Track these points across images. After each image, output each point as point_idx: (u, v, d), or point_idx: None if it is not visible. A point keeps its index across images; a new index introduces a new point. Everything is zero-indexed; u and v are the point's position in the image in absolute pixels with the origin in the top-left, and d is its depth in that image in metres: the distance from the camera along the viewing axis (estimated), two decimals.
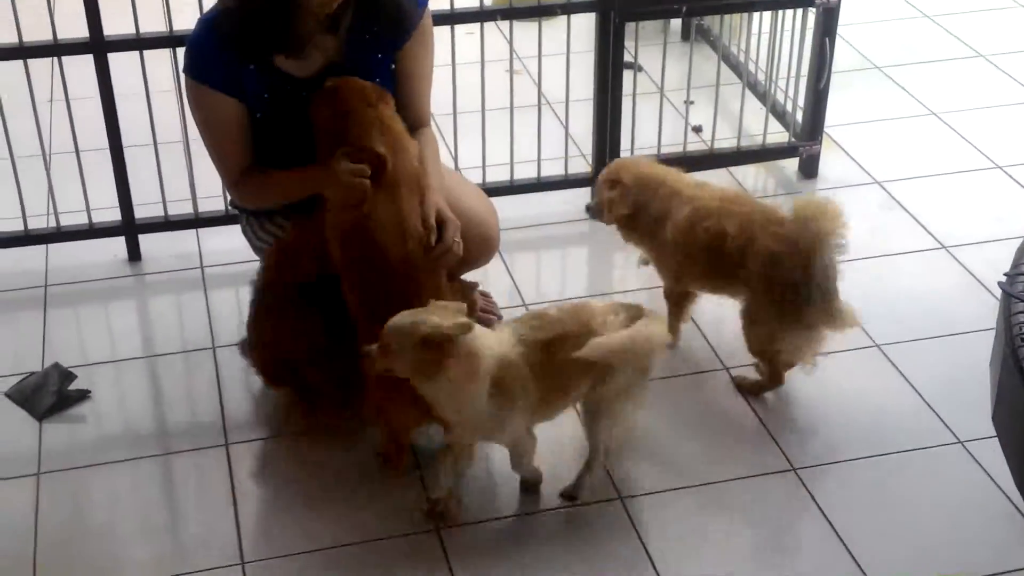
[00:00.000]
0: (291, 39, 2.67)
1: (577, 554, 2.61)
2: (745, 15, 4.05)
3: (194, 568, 2.58)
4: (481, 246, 2.97)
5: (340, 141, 2.67)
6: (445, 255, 2.70)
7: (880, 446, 2.89)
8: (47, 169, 3.47)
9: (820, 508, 2.72)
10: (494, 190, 3.64)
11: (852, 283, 3.40)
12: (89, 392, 3.03)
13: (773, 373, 3.03)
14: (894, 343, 3.21)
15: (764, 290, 2.90)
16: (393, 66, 2.86)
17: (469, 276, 3.11)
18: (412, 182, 2.71)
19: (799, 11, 3.77)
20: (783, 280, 2.85)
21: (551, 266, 3.69)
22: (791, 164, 4.00)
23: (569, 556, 2.61)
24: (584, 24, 3.74)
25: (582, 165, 3.87)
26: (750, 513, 2.74)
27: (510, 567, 2.58)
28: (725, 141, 3.93)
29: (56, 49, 3.27)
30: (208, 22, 2.75)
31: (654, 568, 2.57)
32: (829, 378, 3.09)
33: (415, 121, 2.88)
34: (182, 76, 2.82)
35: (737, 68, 4.12)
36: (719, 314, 3.29)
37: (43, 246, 3.51)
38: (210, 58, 2.73)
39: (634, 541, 2.64)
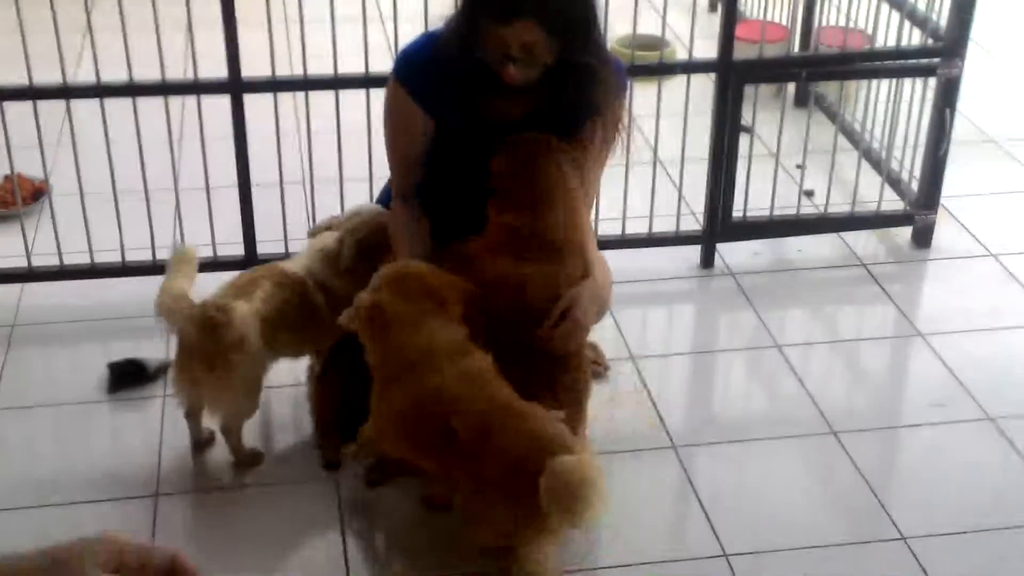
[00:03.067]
0: (467, 94, 2.74)
1: None
2: (863, 82, 4.07)
3: None
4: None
5: (513, 196, 2.73)
6: (549, 343, 2.70)
7: (994, 520, 2.84)
8: (177, 203, 3.59)
9: None
10: (606, 243, 3.69)
11: (966, 355, 3.40)
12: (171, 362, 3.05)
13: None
14: (1008, 416, 3.16)
15: None
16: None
17: None
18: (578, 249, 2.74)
19: (919, 81, 3.78)
20: None
21: (657, 320, 3.72)
22: (904, 233, 3.99)
23: None
24: (700, 86, 3.79)
25: (693, 223, 3.90)
26: None
27: None
28: (838, 207, 3.94)
29: (197, 88, 3.40)
30: (431, 36, 2.81)
31: None
32: (942, 450, 3.06)
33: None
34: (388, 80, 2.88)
35: (852, 135, 4.13)
36: (823, 377, 3.29)
37: None
38: (420, 69, 2.80)
39: None
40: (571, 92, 2.73)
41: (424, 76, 2.80)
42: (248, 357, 2.80)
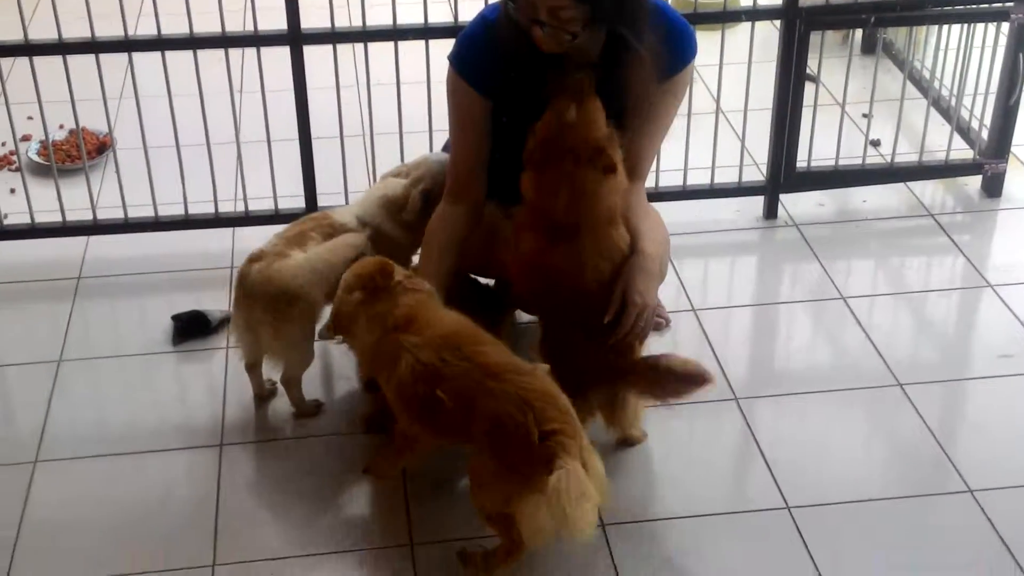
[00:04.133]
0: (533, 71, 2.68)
1: (743, 561, 2.60)
2: (932, 28, 3.97)
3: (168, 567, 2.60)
4: None
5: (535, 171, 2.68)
6: (627, 338, 2.68)
7: None
8: (238, 156, 3.61)
9: (997, 533, 2.65)
10: (666, 194, 3.66)
11: None
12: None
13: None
14: None
15: None
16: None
17: None
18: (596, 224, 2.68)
19: (992, 25, 3.68)
20: None
21: (719, 272, 3.67)
22: (974, 182, 3.90)
23: (734, 561, 2.60)
24: (764, 34, 3.72)
25: (756, 174, 3.85)
26: (921, 533, 2.68)
27: None
28: (905, 156, 3.86)
29: (256, 40, 3.40)
30: (486, 19, 2.79)
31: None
32: (1010, 402, 3.01)
33: (629, 167, 2.80)
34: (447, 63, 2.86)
35: (921, 83, 4.04)
36: (889, 329, 3.24)
37: (231, 229, 3.66)
38: (476, 54, 2.77)
39: (800, 552, 2.61)
40: (626, 61, 2.68)
41: (480, 60, 2.77)
42: (303, 304, 2.83)
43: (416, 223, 2.99)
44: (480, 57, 2.77)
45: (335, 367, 3.18)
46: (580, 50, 2.65)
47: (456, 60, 2.82)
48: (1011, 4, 3.58)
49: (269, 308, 2.83)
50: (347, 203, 3.51)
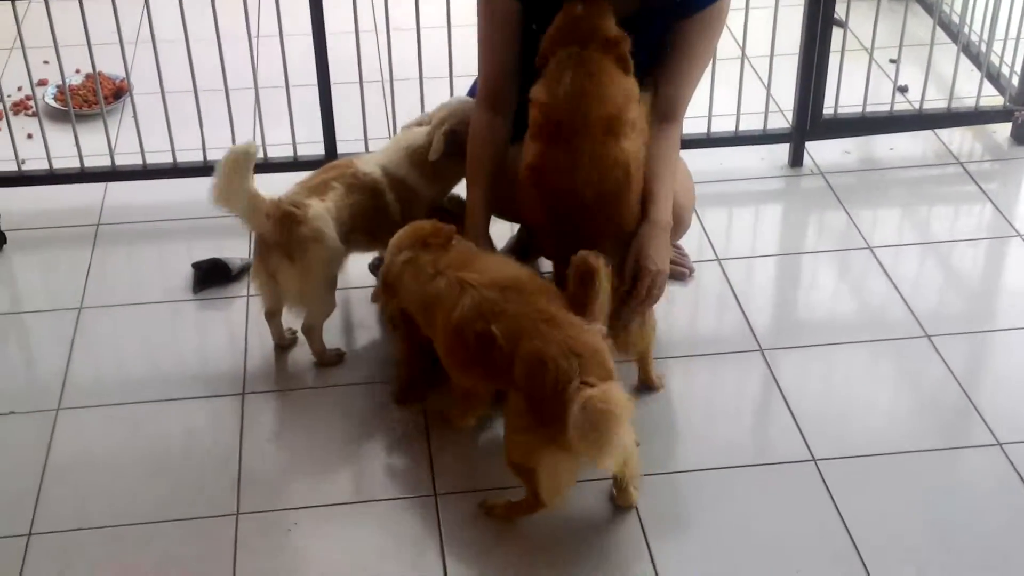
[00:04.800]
0: None
1: (769, 513, 2.59)
2: None
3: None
4: (673, 231, 2.85)
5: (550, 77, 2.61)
6: (640, 305, 2.64)
7: None
8: (257, 101, 3.57)
9: None
10: (690, 142, 3.60)
11: None
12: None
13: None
14: None
15: None
16: (668, 36, 2.74)
17: None
18: (598, 130, 2.59)
19: None
20: None
21: (744, 221, 3.63)
22: (1003, 129, 3.84)
23: (759, 513, 2.59)
24: None
25: (781, 121, 3.79)
26: (949, 486, 2.66)
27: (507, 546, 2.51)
28: (933, 103, 3.80)
29: None
30: None
31: (846, 529, 2.52)
32: None
33: (664, 108, 2.75)
34: None
35: (950, 28, 3.97)
36: (916, 279, 3.20)
37: None
38: None
39: (827, 504, 2.60)
40: None
41: None
42: (324, 251, 2.81)
43: (441, 171, 2.95)
44: None
45: (356, 316, 3.16)
46: None
47: None
48: None
49: (287, 254, 2.80)
50: (367, 150, 3.48)
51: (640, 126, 2.66)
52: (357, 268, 3.09)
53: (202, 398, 2.90)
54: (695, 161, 3.32)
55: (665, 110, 2.78)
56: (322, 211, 2.82)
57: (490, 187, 2.80)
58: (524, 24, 2.76)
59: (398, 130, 3.22)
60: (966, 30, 3.90)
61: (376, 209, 2.91)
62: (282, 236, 2.79)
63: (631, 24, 2.66)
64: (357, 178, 2.91)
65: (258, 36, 3.79)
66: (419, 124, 3.06)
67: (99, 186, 3.60)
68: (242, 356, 3.02)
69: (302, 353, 3.03)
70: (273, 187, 3.08)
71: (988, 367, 3.03)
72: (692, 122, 3.59)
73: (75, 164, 3.54)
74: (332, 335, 3.03)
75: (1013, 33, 3.72)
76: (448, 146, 2.93)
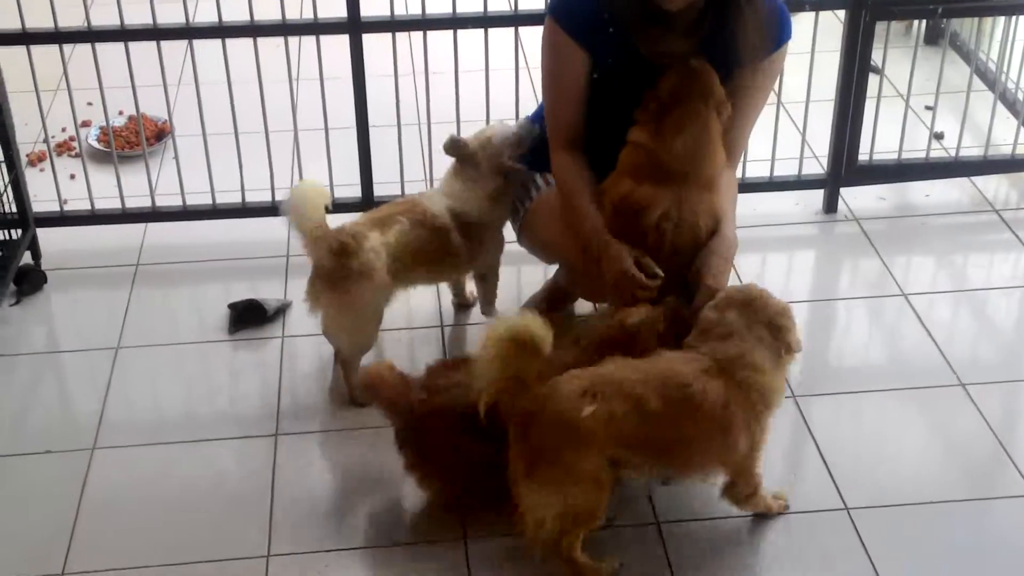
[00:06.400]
0: (637, 29, 2.70)
1: (801, 562, 2.57)
2: (1000, 20, 3.89)
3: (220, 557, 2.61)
4: None
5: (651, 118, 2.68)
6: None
7: None
8: (296, 144, 3.61)
9: None
10: None
11: None
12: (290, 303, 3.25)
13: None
14: None
15: None
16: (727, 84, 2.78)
17: None
18: (701, 182, 2.69)
19: None
20: None
21: (778, 267, 3.62)
22: None
23: (791, 563, 2.57)
24: (828, 23, 3.65)
25: (816, 167, 3.79)
26: (981, 535, 2.63)
27: None
28: (969, 150, 3.79)
29: (316, 28, 3.39)
30: None
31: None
32: None
33: (725, 151, 2.82)
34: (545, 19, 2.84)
35: (986, 75, 3.97)
36: (950, 327, 3.18)
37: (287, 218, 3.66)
38: (576, 4, 2.77)
39: (859, 554, 2.58)
40: (726, 34, 2.67)
41: (580, 10, 2.76)
42: (371, 285, 2.84)
43: (500, 196, 3.02)
44: (580, 9, 2.76)
45: (392, 356, 3.17)
46: (679, 12, 2.63)
47: (556, 11, 2.79)
48: None
49: (330, 283, 2.84)
50: (403, 193, 3.51)
51: None
52: (397, 309, 3.11)
53: (235, 439, 2.93)
54: None
55: (725, 153, 2.83)
56: (377, 244, 2.86)
57: (594, 196, 2.76)
58: (588, 77, 2.80)
59: (434, 174, 3.25)
60: (1003, 78, 3.90)
61: (439, 247, 2.97)
62: (332, 263, 2.83)
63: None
64: (424, 215, 2.96)
65: (298, 79, 3.84)
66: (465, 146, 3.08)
67: (139, 226, 3.66)
68: (275, 397, 3.04)
69: (335, 394, 3.05)
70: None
71: (1022, 416, 3.01)
72: None
73: (116, 205, 3.59)
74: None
75: None
76: (492, 168, 2.99)
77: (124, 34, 3.35)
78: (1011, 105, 3.86)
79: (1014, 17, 3.75)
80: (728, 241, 2.73)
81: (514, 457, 2.38)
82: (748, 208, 3.67)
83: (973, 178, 3.83)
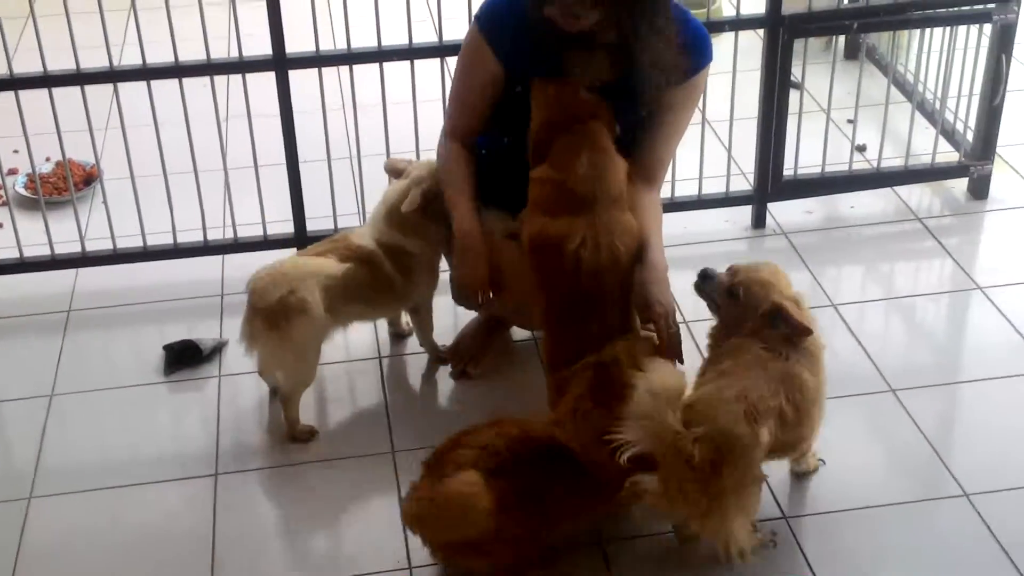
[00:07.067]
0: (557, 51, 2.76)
1: (746, 571, 2.59)
2: (915, 32, 3.99)
3: None
4: None
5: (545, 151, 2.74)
6: (671, 349, 2.72)
7: None
8: (226, 182, 3.61)
9: (994, 536, 2.65)
10: None
11: (1018, 308, 3.33)
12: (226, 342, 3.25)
13: None
14: None
15: None
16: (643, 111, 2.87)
17: None
18: (609, 200, 2.72)
19: (974, 27, 3.70)
20: None
21: None
22: (960, 185, 3.91)
23: (734, 574, 2.60)
24: (748, 42, 3.72)
25: (743, 183, 3.86)
26: (919, 539, 2.68)
27: None
28: (891, 161, 3.87)
29: (241, 66, 3.40)
30: None
31: None
32: (1004, 404, 3.02)
33: (647, 172, 2.90)
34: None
35: (904, 87, 4.06)
36: (880, 334, 3.25)
37: (220, 256, 3.66)
38: (501, 18, 2.83)
39: (799, 560, 2.61)
40: (647, 57, 2.73)
41: (504, 25, 2.82)
42: (309, 321, 2.85)
43: (427, 230, 3.04)
44: (504, 23, 2.82)
45: (329, 392, 3.18)
46: (596, 33, 2.69)
47: (481, 20, 2.87)
48: (992, 6, 3.60)
49: (268, 321, 2.84)
50: (336, 227, 3.52)
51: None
52: (334, 342, 3.11)
53: (176, 480, 2.91)
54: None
55: (647, 175, 2.91)
56: (312, 283, 2.86)
57: (474, 196, 2.91)
58: (507, 87, 2.87)
59: (367, 207, 3.26)
60: (920, 88, 3.99)
61: (372, 279, 2.97)
62: (270, 303, 2.83)
63: (613, 94, 2.78)
64: (352, 249, 2.97)
65: (227, 118, 3.85)
66: (401, 169, 3.13)
67: (70, 272, 3.62)
68: (214, 436, 3.03)
69: (274, 431, 3.04)
70: (244, 266, 3.12)
71: (953, 419, 3.07)
72: None
73: (46, 251, 3.56)
74: (305, 411, 3.04)
75: (966, 90, 3.80)
76: (424, 203, 3.00)
77: (48, 80, 3.33)
78: (929, 115, 3.95)
79: (928, 30, 3.85)
80: (657, 267, 2.77)
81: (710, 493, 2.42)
82: (678, 227, 3.73)
83: (896, 188, 3.91)
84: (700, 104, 3.62)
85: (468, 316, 3.31)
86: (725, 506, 2.42)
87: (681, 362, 2.77)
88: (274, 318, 2.84)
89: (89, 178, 4.06)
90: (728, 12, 3.80)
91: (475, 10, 2.97)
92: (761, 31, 3.59)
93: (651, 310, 2.71)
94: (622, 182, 2.76)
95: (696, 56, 2.86)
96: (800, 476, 2.82)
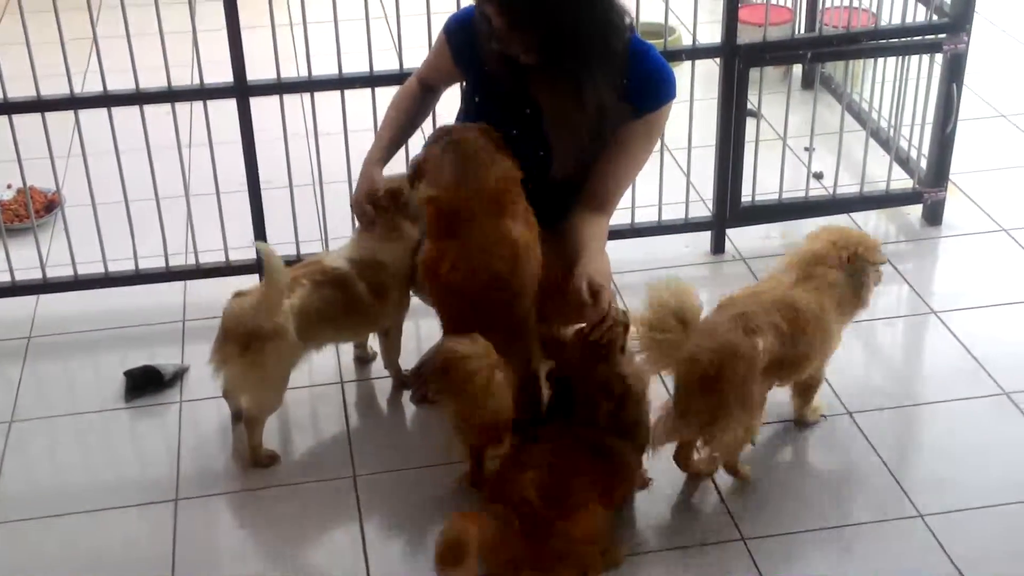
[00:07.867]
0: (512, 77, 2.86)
1: None
2: (869, 62, 4.06)
3: None
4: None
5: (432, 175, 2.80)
6: (610, 330, 2.72)
7: (1013, 495, 2.84)
8: (188, 209, 3.61)
9: (948, 556, 2.69)
10: (615, 232, 3.69)
11: (978, 331, 3.39)
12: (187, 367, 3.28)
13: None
14: (1021, 391, 3.16)
15: None
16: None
17: None
18: (491, 211, 2.74)
19: (925, 57, 3.77)
20: None
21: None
22: (915, 211, 3.98)
23: None
24: (705, 71, 3.78)
25: (703, 209, 3.90)
26: (876, 559, 2.71)
27: None
28: (847, 187, 3.93)
29: (203, 93, 3.42)
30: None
31: None
32: (959, 427, 3.07)
33: (596, 202, 2.93)
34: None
35: (859, 115, 4.13)
36: (837, 357, 3.28)
37: (182, 283, 3.66)
38: (465, 32, 2.95)
39: None
40: (611, 87, 2.80)
41: (464, 36, 2.94)
42: (281, 346, 2.86)
43: (400, 230, 3.08)
44: (467, 37, 2.93)
45: (292, 418, 3.18)
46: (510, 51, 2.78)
47: (448, 30, 3.04)
48: (943, 36, 3.67)
49: (239, 345, 2.84)
50: (298, 253, 3.53)
51: (529, 219, 2.79)
52: (296, 371, 3.12)
53: (136, 506, 2.90)
54: (621, 251, 3.43)
55: (599, 203, 2.94)
56: (285, 307, 2.87)
57: (399, 135, 3.16)
58: (468, 94, 3.02)
59: (329, 233, 3.28)
60: (874, 116, 4.06)
61: (344, 300, 2.99)
62: (241, 326, 2.84)
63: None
64: (325, 272, 2.99)
65: (190, 145, 3.86)
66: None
67: (31, 299, 3.61)
68: (175, 461, 3.02)
69: (237, 456, 3.04)
70: (207, 293, 3.12)
71: (909, 441, 3.11)
72: (617, 213, 3.68)
73: (6, 278, 3.55)
74: (267, 436, 3.04)
75: (919, 119, 3.88)
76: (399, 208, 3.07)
77: (8, 107, 3.34)
78: (884, 143, 4.02)
79: (880, 59, 3.92)
80: (592, 252, 2.82)
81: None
82: (639, 251, 3.77)
83: (852, 214, 3.97)
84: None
85: (432, 340, 3.33)
86: (728, 415, 2.66)
87: (623, 353, 2.78)
88: (248, 342, 2.84)
89: (51, 205, 4.05)
90: (686, 41, 3.86)
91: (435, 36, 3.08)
92: (718, 60, 3.65)
93: (592, 287, 2.70)
94: (504, 186, 2.74)
95: (657, 92, 2.91)
96: (802, 427, 3.06)
